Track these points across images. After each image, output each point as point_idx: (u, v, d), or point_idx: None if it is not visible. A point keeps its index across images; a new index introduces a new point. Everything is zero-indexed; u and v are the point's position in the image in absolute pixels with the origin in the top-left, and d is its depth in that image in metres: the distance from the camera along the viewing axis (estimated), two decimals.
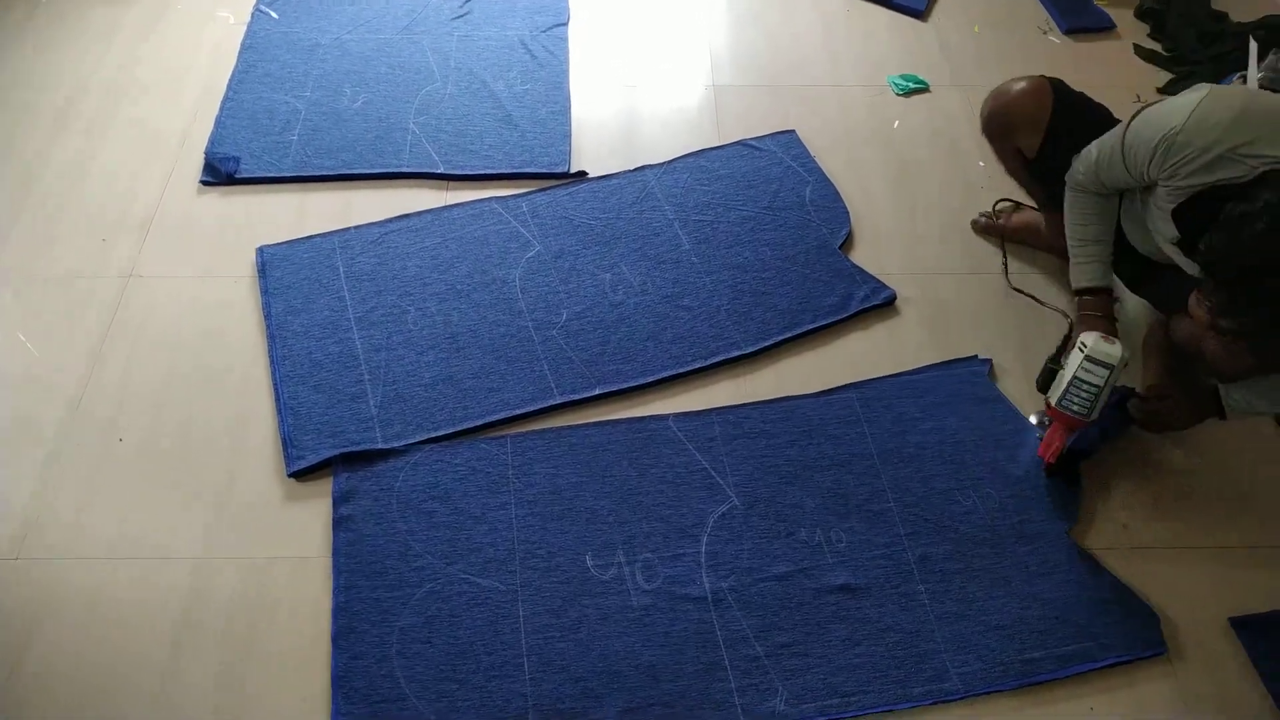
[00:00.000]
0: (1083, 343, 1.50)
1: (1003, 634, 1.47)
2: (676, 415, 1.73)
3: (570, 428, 1.71)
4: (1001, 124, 1.77)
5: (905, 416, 1.73)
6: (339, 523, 1.58)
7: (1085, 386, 1.49)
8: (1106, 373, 1.48)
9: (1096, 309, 1.61)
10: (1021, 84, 1.72)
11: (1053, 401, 1.53)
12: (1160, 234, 1.52)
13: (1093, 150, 1.57)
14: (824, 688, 1.42)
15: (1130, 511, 1.64)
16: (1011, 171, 1.87)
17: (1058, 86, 1.71)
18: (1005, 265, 1.97)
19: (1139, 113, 1.48)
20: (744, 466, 1.66)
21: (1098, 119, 1.69)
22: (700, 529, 1.59)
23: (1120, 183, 1.55)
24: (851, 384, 1.77)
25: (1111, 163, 1.52)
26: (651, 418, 1.72)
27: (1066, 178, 1.64)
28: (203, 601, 1.51)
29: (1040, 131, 1.70)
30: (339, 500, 1.60)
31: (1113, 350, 1.48)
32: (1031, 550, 1.56)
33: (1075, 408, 1.51)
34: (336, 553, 1.55)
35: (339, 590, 1.51)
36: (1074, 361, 1.50)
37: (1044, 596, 1.51)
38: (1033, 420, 1.72)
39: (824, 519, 1.60)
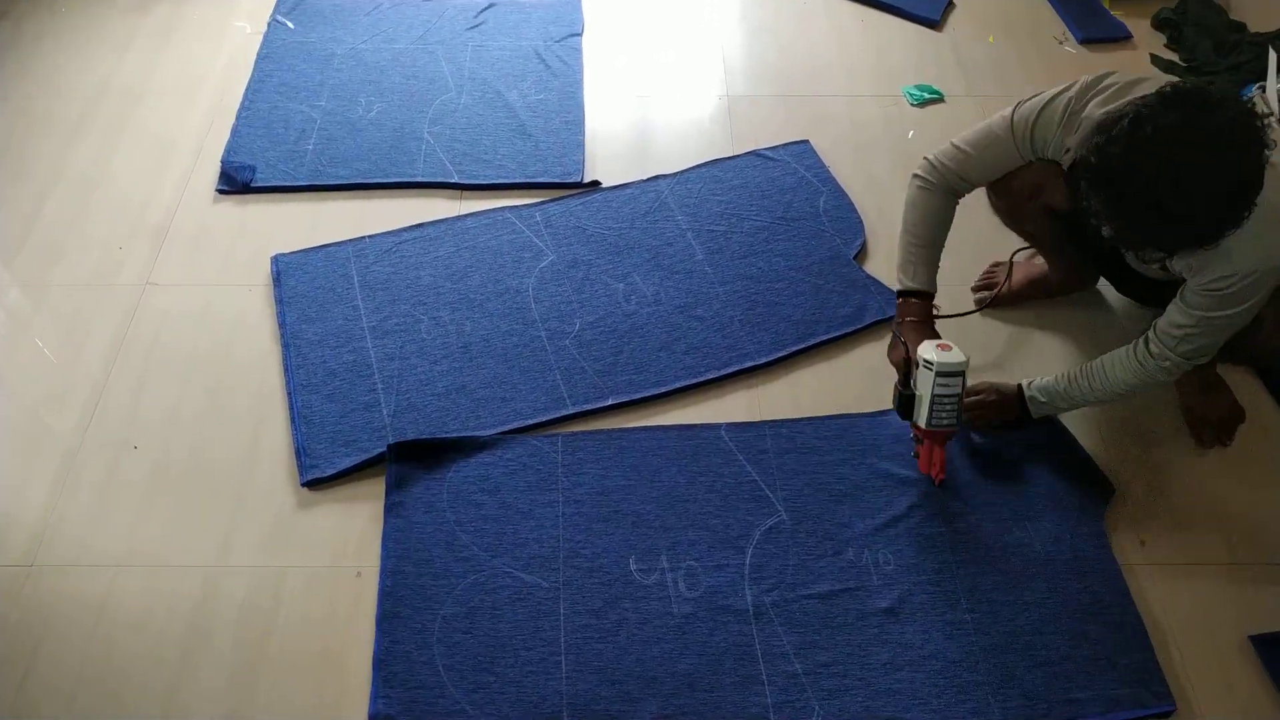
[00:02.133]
0: (926, 361, 1.49)
1: (1049, 671, 1.44)
2: (729, 425, 1.72)
3: (621, 430, 1.72)
4: (1029, 181, 1.60)
5: (964, 441, 1.70)
6: (390, 508, 1.60)
7: (946, 400, 1.50)
8: (959, 380, 1.50)
9: (918, 313, 1.60)
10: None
11: (923, 424, 1.53)
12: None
13: (961, 148, 1.56)
14: (861, 711, 1.40)
15: (1150, 527, 1.62)
16: (1038, 237, 1.78)
17: None
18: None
19: (1018, 106, 1.51)
20: (794, 481, 1.65)
21: None
22: (746, 541, 1.58)
23: (995, 173, 1.57)
24: None
25: (991, 152, 1.53)
26: (703, 426, 1.72)
27: (921, 175, 1.61)
28: (214, 610, 1.51)
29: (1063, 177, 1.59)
30: (392, 487, 1.62)
31: (957, 357, 1.49)
32: (1084, 588, 1.53)
33: (945, 421, 1.52)
34: (386, 538, 1.57)
35: (385, 574, 1.52)
36: (927, 381, 1.49)
37: (1093, 636, 1.47)
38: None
39: (872, 540, 1.58)
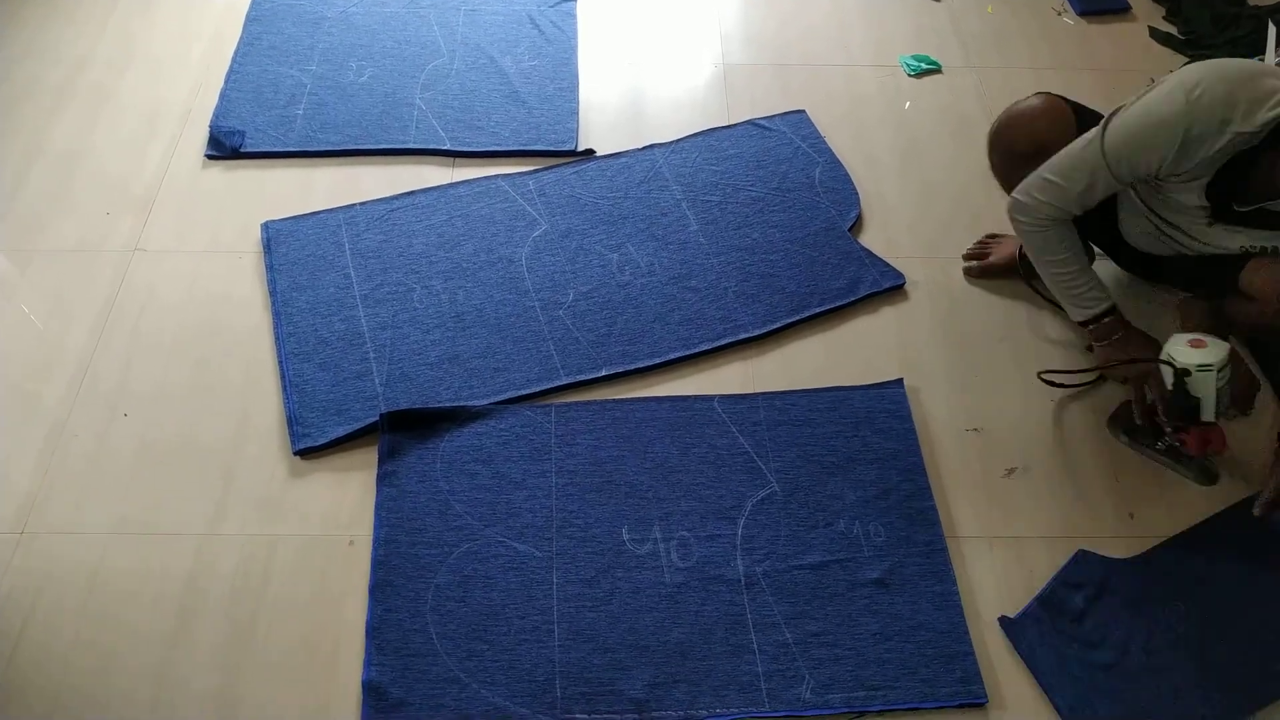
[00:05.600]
0: (1202, 365, 1.45)
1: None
2: (722, 397, 1.72)
3: (615, 401, 1.71)
4: (1030, 144, 1.61)
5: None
6: (383, 477, 1.60)
7: (1225, 386, 1.48)
8: (1230, 363, 1.47)
9: (1123, 328, 1.60)
10: (1033, 99, 1.65)
11: (1213, 419, 1.49)
12: (1179, 216, 1.53)
13: (1054, 181, 1.51)
14: (851, 679, 1.42)
15: (1139, 500, 1.63)
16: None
17: (1063, 98, 1.64)
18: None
19: (1107, 125, 1.44)
20: (787, 453, 1.65)
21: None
22: (738, 512, 1.58)
23: (1100, 197, 1.52)
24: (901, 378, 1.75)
25: (1094, 182, 1.48)
26: (697, 397, 1.72)
27: (1024, 217, 1.56)
28: (207, 579, 1.51)
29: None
30: (385, 456, 1.62)
31: (1222, 347, 1.46)
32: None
33: (1227, 403, 1.50)
34: (379, 507, 1.57)
35: (379, 544, 1.53)
36: (1208, 381, 1.46)
37: None
38: (1125, 440, 1.68)
39: (864, 512, 1.59)
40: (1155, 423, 1.59)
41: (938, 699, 1.40)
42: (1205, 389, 1.47)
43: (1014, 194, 1.58)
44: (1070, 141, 1.52)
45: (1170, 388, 1.51)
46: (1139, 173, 1.46)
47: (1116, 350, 1.61)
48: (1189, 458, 1.62)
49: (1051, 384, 1.74)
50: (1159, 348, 1.53)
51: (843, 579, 1.52)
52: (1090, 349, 1.69)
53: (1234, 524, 1.58)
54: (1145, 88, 1.44)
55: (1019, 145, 1.65)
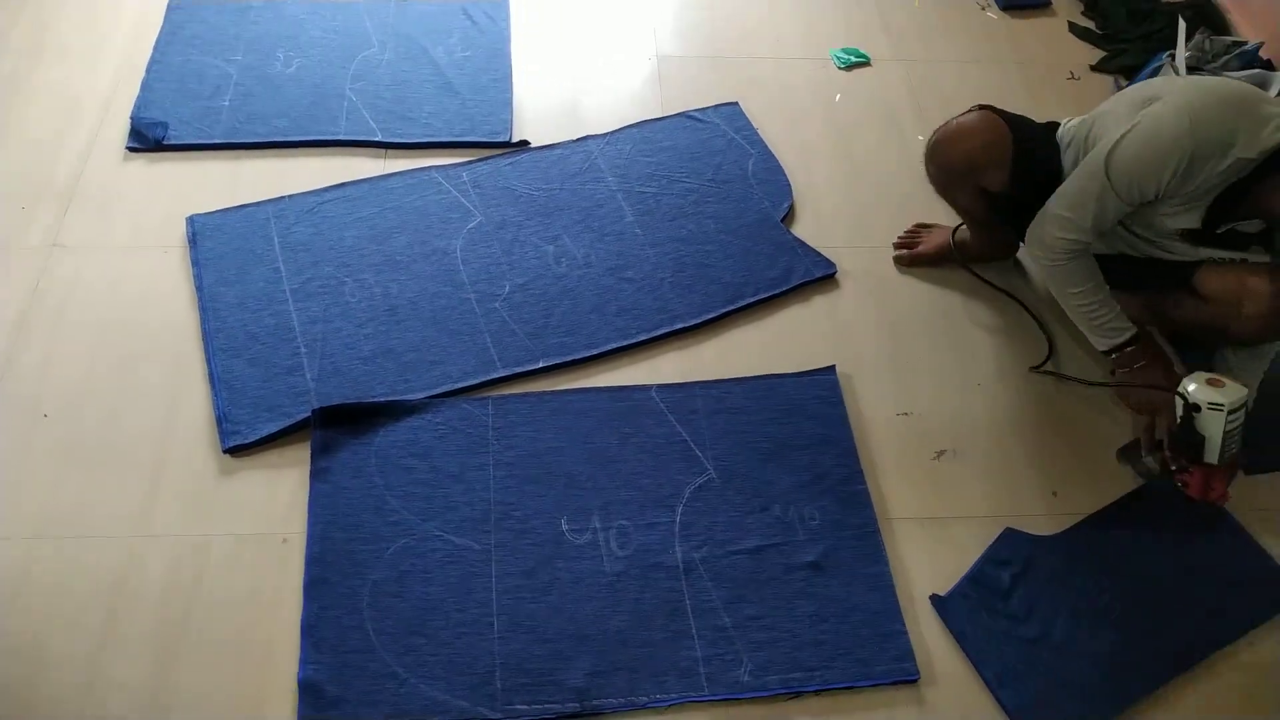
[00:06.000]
0: (1214, 404, 1.42)
1: None
2: (659, 386, 1.73)
3: (553, 393, 1.71)
4: (965, 163, 1.67)
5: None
6: (316, 474, 1.57)
7: (1235, 431, 1.46)
8: (1244, 410, 1.44)
9: (1144, 357, 1.59)
10: (971, 117, 1.67)
11: (1217, 461, 1.46)
12: (1164, 229, 1.57)
13: (1065, 215, 1.53)
14: (788, 661, 1.44)
15: (1062, 479, 1.69)
16: (970, 211, 1.82)
17: (1001, 113, 1.67)
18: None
19: (1112, 152, 1.47)
20: (724, 440, 1.67)
21: (1048, 132, 1.69)
22: (676, 499, 1.60)
23: (1113, 221, 1.55)
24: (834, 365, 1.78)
25: (1104, 210, 1.50)
26: (635, 387, 1.72)
27: (1044, 256, 1.59)
28: (136, 579, 1.47)
29: (1006, 162, 1.63)
30: (317, 452, 1.59)
31: (1238, 389, 1.43)
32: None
33: (1235, 449, 1.47)
34: (312, 504, 1.54)
35: (313, 540, 1.51)
36: (1218, 421, 1.43)
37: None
38: (1149, 466, 1.62)
39: (798, 497, 1.61)
40: (1164, 460, 1.56)
41: (872, 677, 1.43)
42: (1213, 428, 1.44)
43: (1030, 234, 1.61)
44: (1004, 160, 1.59)
45: (1179, 421, 1.48)
46: (1147, 196, 1.48)
47: (1136, 377, 1.60)
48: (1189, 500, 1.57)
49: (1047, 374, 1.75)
50: (1180, 381, 1.50)
51: (779, 563, 1.54)
52: (1112, 373, 1.66)
53: (1152, 500, 1.64)
54: (1107, 99, 1.52)
55: (954, 163, 1.70)
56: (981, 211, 1.79)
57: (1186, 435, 1.48)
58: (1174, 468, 1.54)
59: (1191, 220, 1.53)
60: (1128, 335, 1.59)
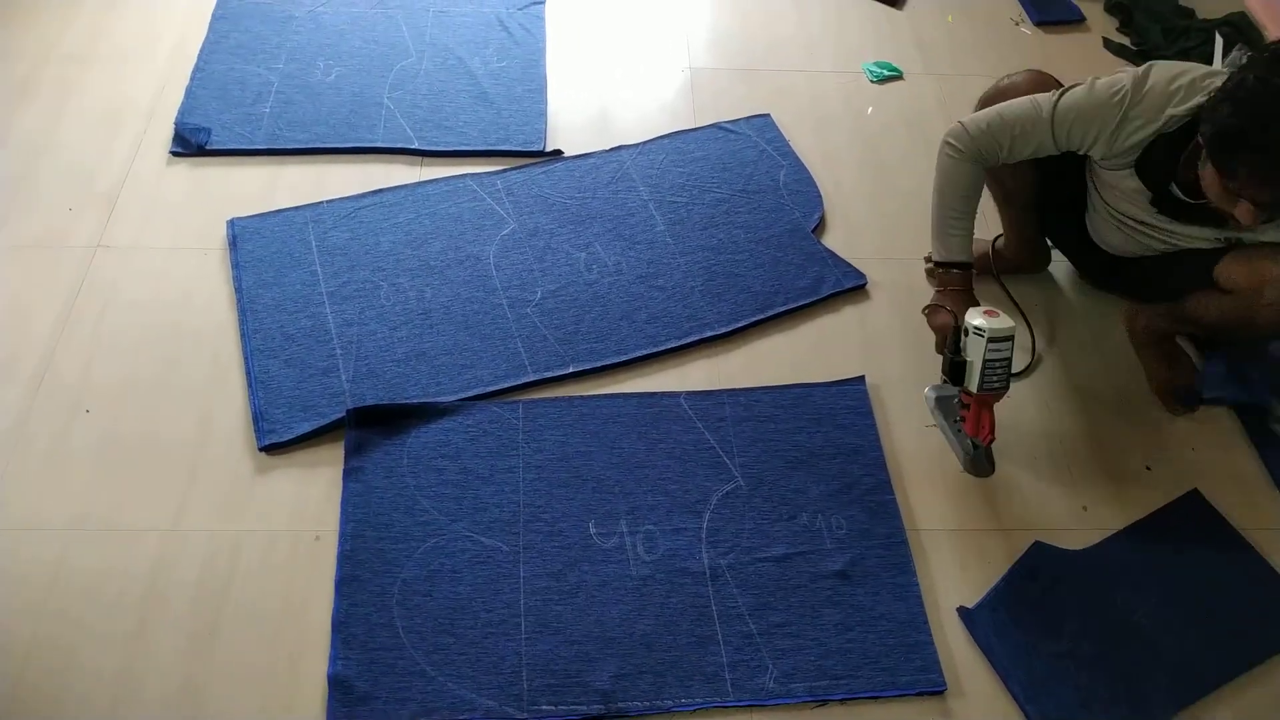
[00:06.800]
0: (977, 328, 1.50)
1: None
2: (688, 393, 1.74)
3: (582, 398, 1.73)
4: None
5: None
6: (349, 473, 1.60)
7: (997, 365, 1.51)
8: (1009, 345, 1.51)
9: (961, 283, 1.65)
10: (1021, 73, 1.71)
11: (974, 389, 1.54)
12: (1130, 206, 1.60)
13: (1001, 116, 1.58)
14: (813, 669, 1.44)
15: (1092, 494, 1.68)
16: (1015, 195, 1.81)
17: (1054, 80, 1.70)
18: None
19: (1062, 96, 1.54)
20: (752, 448, 1.68)
21: None
22: (704, 506, 1.60)
23: (1026, 155, 1.60)
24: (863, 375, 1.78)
25: (1030, 135, 1.56)
26: (664, 394, 1.74)
27: (955, 142, 1.62)
28: (171, 575, 1.50)
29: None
30: (351, 451, 1.62)
31: (1005, 323, 1.50)
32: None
33: (996, 385, 1.53)
34: (345, 503, 1.57)
35: (345, 538, 1.53)
36: (978, 347, 1.50)
37: None
38: (931, 401, 1.72)
39: (826, 506, 1.61)
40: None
41: (898, 687, 1.43)
42: (974, 353, 1.51)
43: (960, 120, 1.63)
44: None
45: (950, 344, 1.58)
46: (1074, 143, 1.56)
47: (945, 299, 1.65)
48: (966, 439, 1.63)
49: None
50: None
51: (805, 571, 1.54)
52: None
53: (1182, 516, 1.63)
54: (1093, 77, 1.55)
55: None
56: (1030, 190, 1.78)
57: (953, 356, 1.57)
58: (957, 401, 1.62)
59: (1132, 179, 1.56)
60: (960, 259, 1.65)
